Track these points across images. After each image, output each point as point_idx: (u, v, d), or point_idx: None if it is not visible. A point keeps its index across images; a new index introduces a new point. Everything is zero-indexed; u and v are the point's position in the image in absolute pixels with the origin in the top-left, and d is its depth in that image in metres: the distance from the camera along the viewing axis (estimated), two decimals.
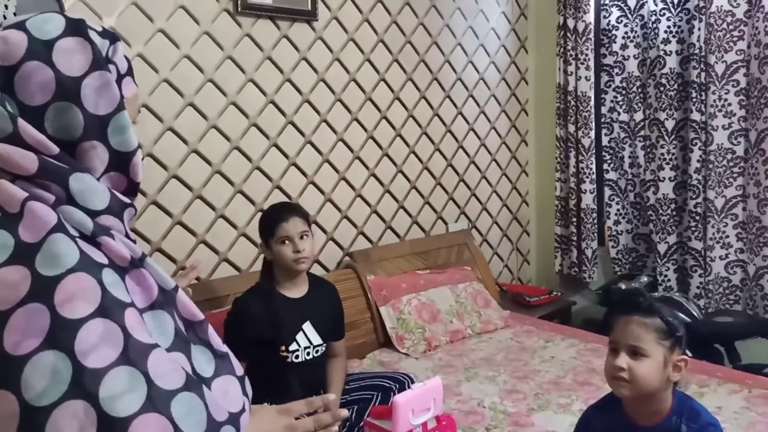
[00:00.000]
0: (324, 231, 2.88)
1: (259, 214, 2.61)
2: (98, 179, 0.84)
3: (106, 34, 0.88)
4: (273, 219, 2.01)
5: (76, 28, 0.83)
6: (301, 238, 1.98)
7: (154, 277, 0.84)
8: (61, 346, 0.70)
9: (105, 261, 0.78)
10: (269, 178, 2.67)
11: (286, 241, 1.97)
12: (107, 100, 0.83)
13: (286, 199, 2.70)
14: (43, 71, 0.79)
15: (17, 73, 0.79)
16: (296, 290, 2.06)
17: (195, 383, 0.78)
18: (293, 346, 1.98)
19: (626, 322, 1.37)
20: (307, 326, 2.02)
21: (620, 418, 1.43)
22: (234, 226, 2.58)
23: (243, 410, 0.86)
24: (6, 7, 1.77)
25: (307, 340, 2.01)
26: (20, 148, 0.77)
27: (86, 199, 0.80)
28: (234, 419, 0.83)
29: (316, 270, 2.83)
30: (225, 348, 0.90)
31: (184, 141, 2.43)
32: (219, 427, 0.79)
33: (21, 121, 0.78)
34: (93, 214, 0.81)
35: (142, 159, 0.90)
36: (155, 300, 0.82)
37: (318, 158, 2.83)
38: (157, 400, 0.73)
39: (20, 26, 0.81)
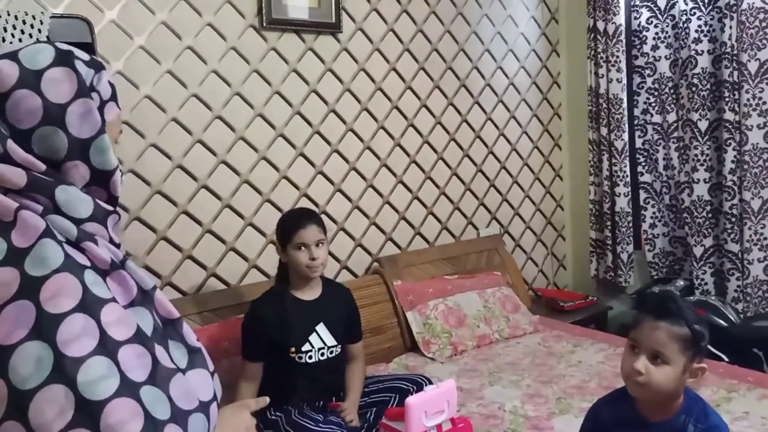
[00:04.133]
0: (352, 237, 2.93)
1: None
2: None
3: (92, 63, 0.97)
4: (291, 225, 2.07)
5: (64, 58, 0.93)
6: (317, 245, 2.04)
7: (134, 278, 0.93)
8: (45, 337, 0.79)
9: (87, 263, 0.87)
10: (296, 187, 2.75)
11: (302, 248, 2.03)
12: (89, 125, 0.93)
13: (314, 207, 2.77)
14: (32, 99, 0.89)
15: (8, 99, 0.89)
16: (310, 293, 2.12)
17: (162, 378, 0.86)
18: (306, 347, 2.04)
19: (653, 326, 1.34)
20: (321, 327, 2.08)
21: (630, 412, 1.43)
22: (263, 234, 2.67)
23: (213, 399, 0.94)
24: (39, 31, 1.90)
25: (320, 341, 2.07)
26: (11, 165, 0.87)
27: (71, 209, 0.90)
28: (204, 407, 0.91)
29: (345, 275, 2.89)
30: (198, 344, 0.99)
31: (213, 152, 2.53)
32: (186, 415, 0.87)
33: (10, 143, 0.88)
34: (78, 221, 0.90)
35: (122, 176, 1.00)
36: (134, 298, 0.91)
37: (345, 166, 2.89)
38: (128, 388, 0.81)
39: (13, 57, 0.91)
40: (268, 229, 2.68)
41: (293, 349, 2.02)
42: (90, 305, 0.82)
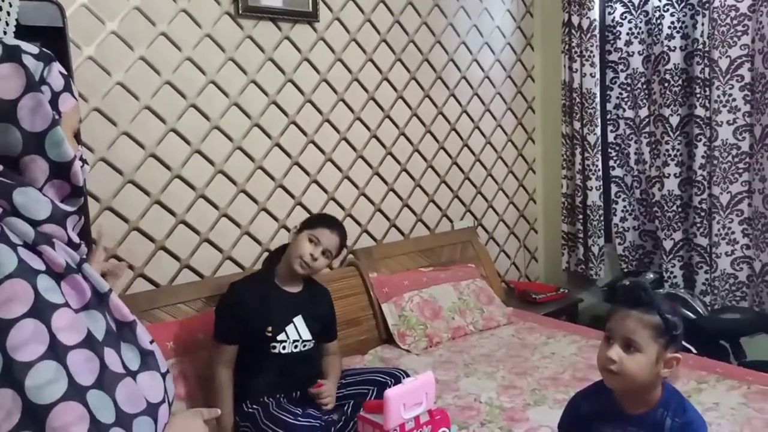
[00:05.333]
0: None
1: (262, 212, 2.67)
2: (42, 187, 0.93)
3: (41, 56, 0.95)
4: (323, 221, 2.15)
5: (11, 54, 0.91)
6: (324, 253, 2.08)
7: (90, 281, 0.94)
8: None
9: (42, 267, 0.87)
10: (272, 178, 2.72)
11: (313, 241, 2.06)
12: (42, 119, 0.92)
13: (289, 198, 2.75)
14: None
15: None
16: (292, 286, 2.14)
17: (109, 382, 0.87)
18: (281, 336, 2.05)
19: (625, 315, 1.37)
20: (299, 320, 2.09)
21: (609, 405, 1.45)
22: (237, 224, 2.63)
23: (163, 401, 0.95)
24: (8, 14, 1.83)
25: (296, 333, 2.08)
26: None
27: (29, 210, 0.89)
28: (152, 409, 0.92)
29: None
30: (151, 346, 1.00)
31: (187, 142, 2.48)
32: (131, 419, 0.88)
33: None
34: (36, 223, 0.90)
35: (83, 166, 1.00)
36: (89, 302, 0.92)
37: (321, 157, 2.87)
38: (76, 392, 0.82)
39: None
40: (243, 220, 2.64)
41: (270, 329, 2.02)
42: (41, 311, 0.83)
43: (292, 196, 2.77)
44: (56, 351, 0.82)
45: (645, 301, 1.38)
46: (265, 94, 2.67)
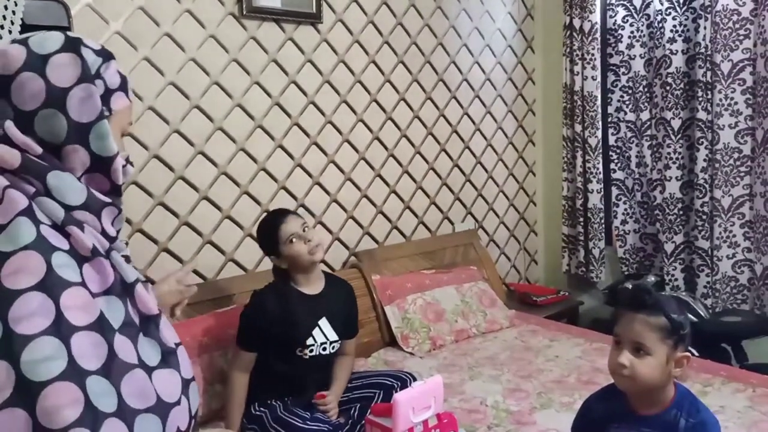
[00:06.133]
0: (330, 231, 2.90)
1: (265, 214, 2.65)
2: (80, 177, 0.94)
3: (101, 52, 0.99)
4: (271, 226, 2.05)
5: (71, 45, 0.95)
6: (304, 230, 2.02)
7: (116, 268, 0.94)
8: None
9: (65, 246, 0.87)
10: (275, 179, 2.70)
11: (294, 239, 2.00)
12: (89, 110, 0.94)
13: (292, 200, 2.74)
14: (36, 81, 0.91)
15: (14, 81, 0.91)
16: (312, 287, 2.10)
17: (116, 371, 0.85)
18: (309, 341, 2.03)
19: (631, 318, 1.37)
20: (323, 322, 2.07)
21: (621, 406, 1.45)
22: (240, 226, 2.62)
23: (178, 404, 0.93)
24: (14, 13, 1.81)
25: (323, 336, 2.06)
26: (8, 146, 0.89)
27: (62, 194, 0.91)
28: (163, 408, 0.89)
29: (322, 269, 2.85)
30: (174, 345, 0.98)
31: (191, 143, 2.46)
32: (135, 413, 0.85)
33: (8, 123, 0.90)
34: (69, 208, 0.91)
35: (126, 166, 1.00)
36: (111, 287, 0.91)
37: (324, 159, 2.86)
38: (75, 374, 0.79)
39: (23, 42, 0.94)
40: (246, 222, 2.63)
41: (299, 348, 2.01)
42: (51, 286, 0.82)
43: (295, 198, 2.76)
44: (60, 328, 0.80)
45: (650, 303, 1.39)
46: (269, 95, 2.66)
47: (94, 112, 0.94)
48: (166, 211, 2.42)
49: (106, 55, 0.99)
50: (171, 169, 2.42)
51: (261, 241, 2.11)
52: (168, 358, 0.95)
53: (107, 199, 0.96)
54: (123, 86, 1.01)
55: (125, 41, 2.28)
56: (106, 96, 0.97)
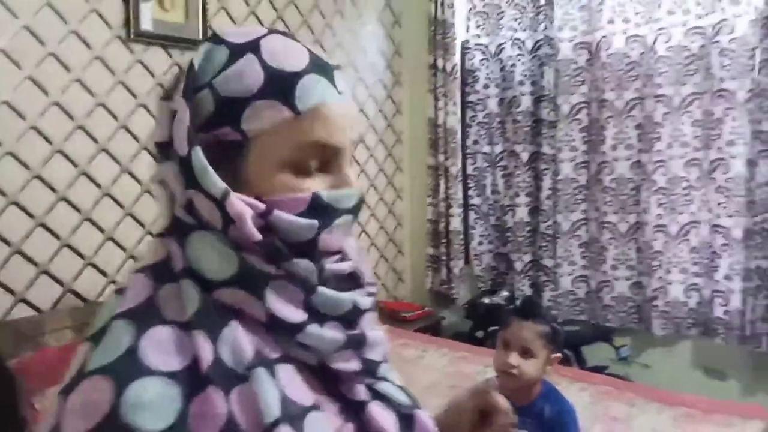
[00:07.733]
0: None
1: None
2: None
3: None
4: None
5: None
6: None
7: (258, 401, 0.59)
8: None
9: (176, 367, 0.58)
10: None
11: None
12: None
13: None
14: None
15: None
16: None
17: None
18: None
19: (522, 326, 1.63)
20: None
21: None
22: (123, 248, 2.61)
23: None
24: None
25: None
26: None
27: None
28: None
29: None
30: None
31: (74, 163, 2.44)
32: None
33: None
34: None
35: None
36: None
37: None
38: None
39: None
40: (129, 244, 2.63)
41: None
42: None
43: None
44: None
45: (537, 313, 1.68)
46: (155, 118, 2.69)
47: None
48: (47, 232, 2.38)
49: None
50: (53, 189, 2.39)
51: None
52: None
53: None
54: None
55: (8, 59, 2.24)
56: None
